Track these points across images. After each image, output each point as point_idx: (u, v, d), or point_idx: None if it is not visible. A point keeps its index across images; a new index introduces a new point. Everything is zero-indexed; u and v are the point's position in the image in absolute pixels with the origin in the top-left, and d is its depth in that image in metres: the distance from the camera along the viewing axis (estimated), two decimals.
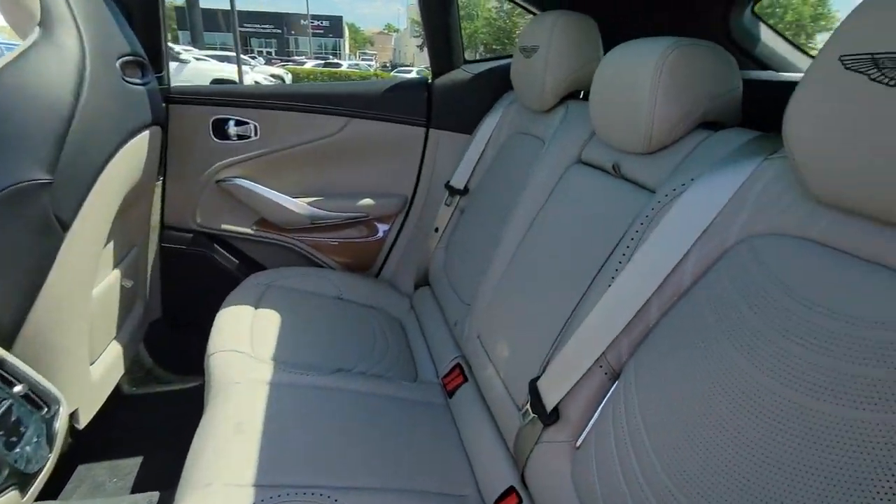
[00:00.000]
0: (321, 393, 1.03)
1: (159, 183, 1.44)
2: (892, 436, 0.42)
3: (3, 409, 0.77)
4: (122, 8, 1.10)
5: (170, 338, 1.58)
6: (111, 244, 1.12)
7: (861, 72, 0.46)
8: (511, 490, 0.84)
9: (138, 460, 1.28)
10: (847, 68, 0.47)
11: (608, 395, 0.72)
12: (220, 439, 0.85)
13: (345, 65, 24.09)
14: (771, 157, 0.63)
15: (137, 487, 1.19)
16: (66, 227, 0.88)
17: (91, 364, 1.08)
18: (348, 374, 1.12)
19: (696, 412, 0.56)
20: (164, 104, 1.34)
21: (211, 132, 1.46)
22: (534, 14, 1.53)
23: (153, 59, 1.26)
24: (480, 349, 1.07)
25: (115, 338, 1.20)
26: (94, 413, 1.09)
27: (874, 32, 0.45)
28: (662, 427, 0.60)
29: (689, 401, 0.58)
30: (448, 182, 1.50)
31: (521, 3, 1.53)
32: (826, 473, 0.44)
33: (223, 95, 1.47)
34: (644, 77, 0.76)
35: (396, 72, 22.27)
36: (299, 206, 1.55)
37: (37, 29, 0.83)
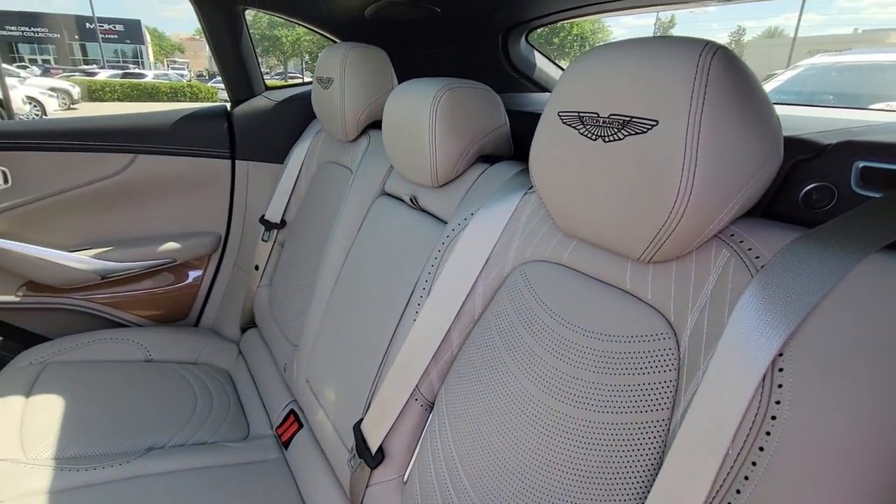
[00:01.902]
0: (126, 486, 0.88)
1: None
2: (621, 433, 0.50)
3: None
4: None
5: None
6: None
7: (572, 126, 0.54)
8: None
9: None
10: (564, 123, 0.55)
11: (426, 426, 0.75)
12: None
13: (150, 74, 21.32)
14: (529, 191, 0.71)
15: None
16: None
17: None
18: (162, 451, 0.99)
19: (493, 431, 0.61)
20: None
21: None
22: (333, 41, 1.52)
23: None
24: (310, 393, 1.03)
25: None
26: None
27: (578, 95, 0.54)
28: (471, 452, 0.64)
29: (488, 422, 0.62)
30: (263, 216, 1.42)
31: (320, 32, 1.51)
32: (590, 471, 0.51)
33: None
34: (422, 117, 0.80)
35: (214, 82, 20.44)
36: (80, 260, 1.32)
37: None
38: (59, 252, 1.29)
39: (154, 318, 1.48)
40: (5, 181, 1.22)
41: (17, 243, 1.24)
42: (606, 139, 0.50)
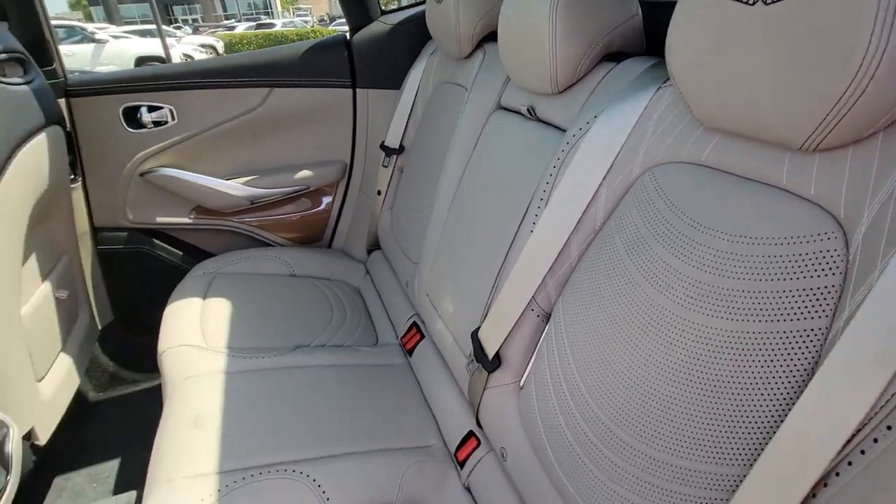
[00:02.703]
0: (280, 373, 1.04)
1: (78, 185, 1.37)
2: (773, 343, 0.45)
3: None
4: None
5: (127, 339, 1.56)
6: (33, 258, 1.07)
7: None
8: (470, 434, 0.89)
9: (116, 463, 1.29)
10: None
11: (542, 335, 0.75)
12: (179, 435, 0.86)
13: (279, 24, 22.63)
14: (664, 85, 0.63)
15: (118, 489, 1.21)
16: None
17: (39, 381, 1.06)
18: (307, 349, 1.13)
19: (615, 343, 0.59)
20: (61, 99, 1.25)
21: (123, 122, 1.37)
22: None
23: (37, 52, 1.16)
24: (430, 306, 1.09)
25: (61, 350, 1.18)
26: (53, 428, 1.08)
27: None
28: (589, 361, 0.63)
29: (608, 333, 0.61)
30: (383, 142, 1.47)
31: None
32: (725, 383, 0.48)
33: (130, 81, 1.37)
34: (540, 18, 0.74)
35: (335, 25, 21.09)
36: (235, 187, 1.50)
37: None
38: (218, 180, 1.48)
39: (294, 239, 1.66)
40: (173, 118, 1.41)
41: (188, 173, 1.44)
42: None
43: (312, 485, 0.79)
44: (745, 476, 0.44)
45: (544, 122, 0.88)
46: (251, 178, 1.52)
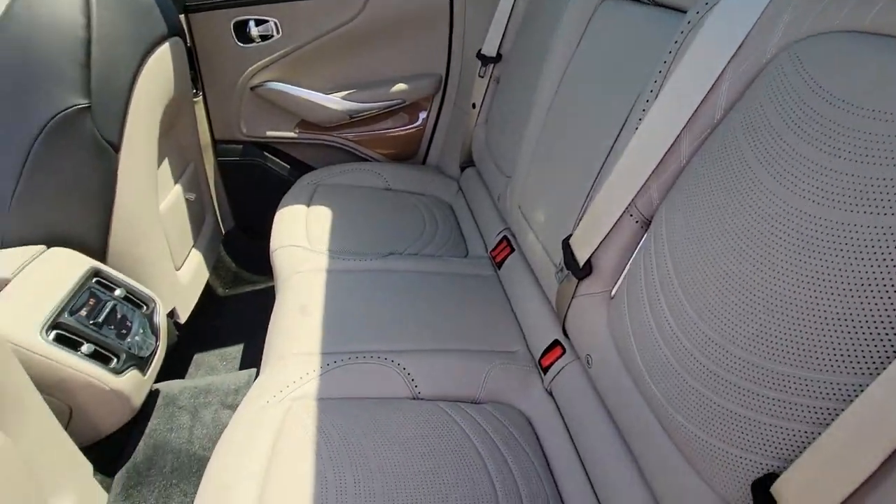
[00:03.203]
0: (375, 275, 1.10)
1: (200, 99, 1.48)
2: None
3: (109, 308, 0.92)
4: None
5: (247, 243, 1.73)
6: (166, 162, 1.21)
7: None
8: (556, 343, 0.89)
9: (240, 346, 1.48)
10: None
11: (640, 243, 0.71)
12: (289, 320, 0.95)
13: None
14: None
15: (242, 366, 1.40)
16: (116, 147, 0.95)
17: (178, 270, 1.23)
18: (400, 256, 1.18)
19: (730, 249, 0.54)
20: (181, 14, 1.33)
21: (234, 36, 1.44)
22: None
23: None
24: (521, 218, 1.07)
25: (193, 247, 1.34)
26: (190, 310, 1.25)
27: None
28: (693, 270, 0.58)
29: (722, 239, 0.55)
30: (479, 51, 1.40)
31: None
32: (865, 287, 0.42)
33: None
34: None
35: None
36: (335, 101, 1.54)
37: None
38: (320, 94, 1.52)
39: (390, 155, 1.69)
40: (278, 31, 1.45)
41: (292, 87, 1.50)
42: None
43: (402, 372, 0.85)
44: (866, 385, 0.39)
45: (661, 5, 0.77)
46: (350, 91, 1.55)
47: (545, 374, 0.88)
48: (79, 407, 0.83)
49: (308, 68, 1.52)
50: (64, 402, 0.82)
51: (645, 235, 0.70)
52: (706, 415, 0.52)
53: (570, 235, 0.80)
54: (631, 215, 0.70)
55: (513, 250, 1.15)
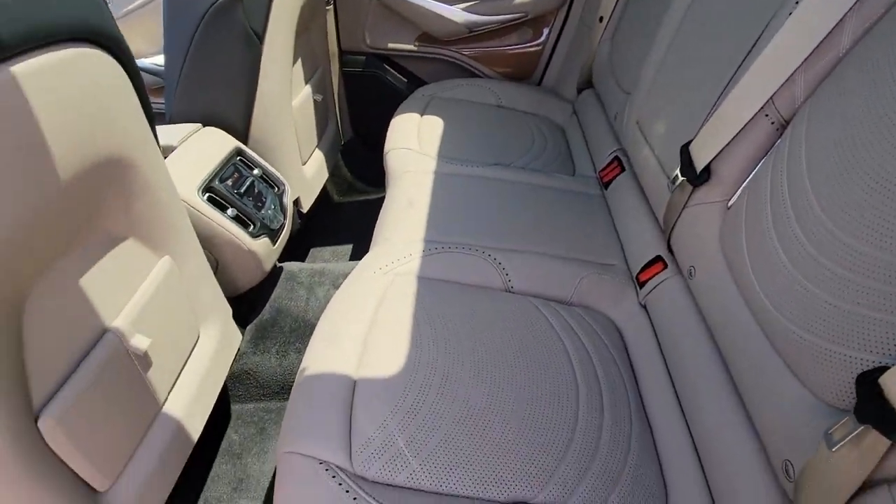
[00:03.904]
0: (481, 180, 1.12)
1: (331, 9, 1.55)
2: None
3: (248, 183, 1.05)
4: None
5: (363, 155, 1.84)
6: (300, 62, 1.30)
7: None
8: (657, 259, 0.86)
9: (351, 245, 1.62)
10: None
11: (772, 148, 0.65)
12: (397, 212, 1.02)
13: None
14: None
15: (352, 257, 1.54)
16: (260, 38, 1.05)
17: (303, 164, 1.35)
18: (507, 167, 1.19)
19: (882, 140, 0.48)
20: None
21: None
22: None
23: None
24: (638, 134, 1.02)
25: (317, 146, 1.46)
26: (312, 201, 1.39)
27: None
28: (831, 164, 0.52)
29: (874, 130, 0.49)
30: None
31: None
32: None
33: None
34: None
35: None
36: (456, 13, 1.53)
37: None
38: (441, 4, 1.52)
39: (506, 74, 1.66)
40: None
41: None
42: None
43: (498, 266, 0.89)
44: None
45: None
46: (472, 3, 1.53)
47: (641, 288, 0.86)
48: (224, 261, 0.98)
49: None
50: (212, 255, 0.97)
51: (779, 140, 0.64)
52: (817, 316, 0.49)
53: (691, 142, 0.75)
54: (767, 115, 0.64)
55: (623, 170, 1.10)
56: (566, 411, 0.66)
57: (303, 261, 1.53)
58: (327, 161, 1.53)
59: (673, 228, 0.79)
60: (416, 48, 1.64)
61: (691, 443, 0.65)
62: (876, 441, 0.38)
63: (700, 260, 0.72)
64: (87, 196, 0.58)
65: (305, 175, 1.35)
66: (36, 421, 0.53)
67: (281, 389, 1.14)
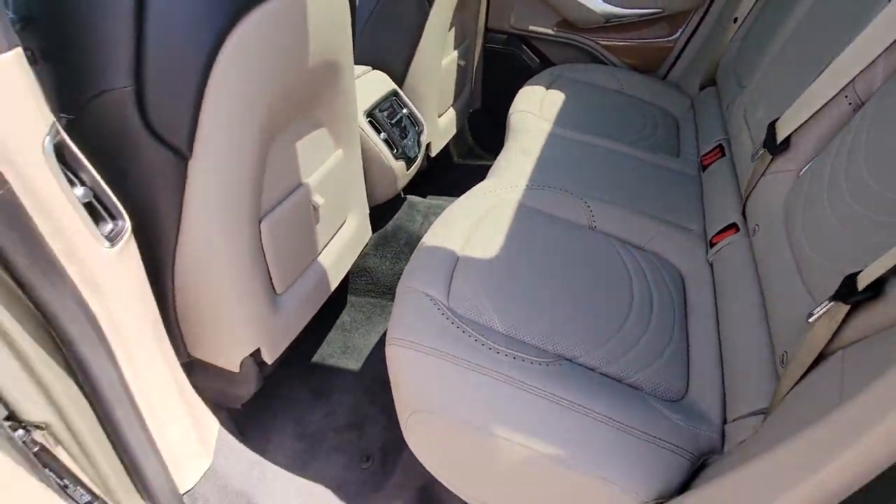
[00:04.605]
0: (588, 146, 1.29)
1: None
2: None
3: (398, 118, 1.32)
4: None
5: (487, 125, 2.07)
6: (453, 31, 1.55)
7: None
8: (732, 225, 0.97)
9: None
10: None
11: (845, 127, 0.75)
12: (510, 158, 1.23)
13: None
14: None
15: None
16: (430, 6, 1.30)
17: (438, 116, 1.61)
18: (615, 140, 1.34)
19: None
20: None
21: None
22: None
23: None
24: (742, 122, 1.11)
25: (451, 105, 1.71)
26: (440, 148, 1.64)
27: None
28: (888, 138, 0.63)
29: None
30: None
31: None
32: None
33: None
34: None
35: None
36: (596, 3, 1.68)
37: None
38: None
39: (632, 65, 1.78)
40: None
41: None
42: None
43: (586, 208, 1.05)
44: None
45: None
46: None
47: (711, 248, 0.98)
48: (369, 171, 1.26)
49: None
50: (363, 164, 1.26)
51: (853, 118, 0.74)
52: (832, 243, 0.61)
53: (777, 119, 0.86)
54: (846, 96, 0.74)
55: (723, 156, 1.20)
56: (619, 308, 0.83)
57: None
58: (457, 120, 1.77)
59: (749, 195, 0.91)
60: (553, 32, 1.82)
61: (720, 364, 0.78)
62: (838, 310, 0.51)
63: (764, 219, 0.83)
64: (311, 86, 0.86)
65: (439, 125, 1.60)
66: (259, 223, 0.82)
67: (389, 290, 1.41)
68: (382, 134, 1.25)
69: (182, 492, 0.81)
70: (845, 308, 0.50)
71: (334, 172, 1.01)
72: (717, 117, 1.37)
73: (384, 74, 1.34)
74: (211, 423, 0.88)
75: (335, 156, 1.01)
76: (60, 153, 0.50)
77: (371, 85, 1.29)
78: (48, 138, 0.48)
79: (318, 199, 0.94)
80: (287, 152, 0.85)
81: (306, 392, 1.20)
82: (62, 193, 0.49)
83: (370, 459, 1.07)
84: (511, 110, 1.47)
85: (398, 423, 0.77)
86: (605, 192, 1.12)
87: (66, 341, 0.55)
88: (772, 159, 0.85)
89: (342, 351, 1.30)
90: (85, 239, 0.53)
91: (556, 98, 1.49)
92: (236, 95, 0.65)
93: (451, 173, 1.98)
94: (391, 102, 1.31)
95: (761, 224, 0.84)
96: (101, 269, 0.56)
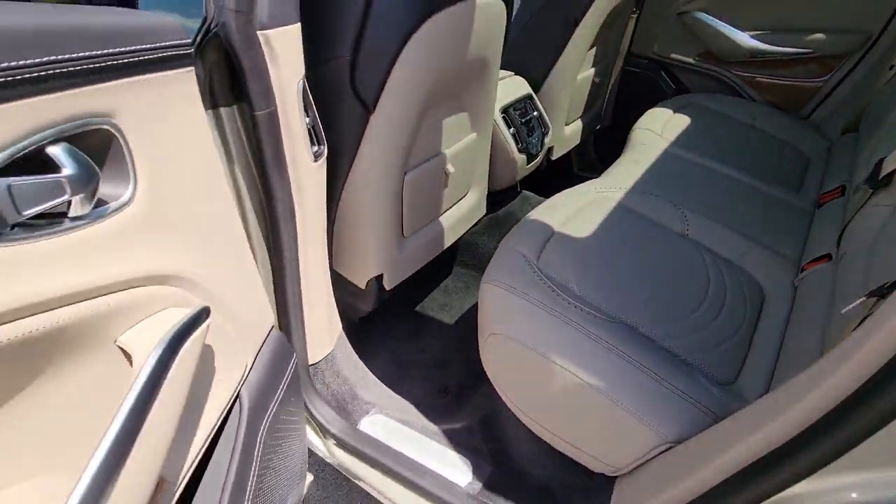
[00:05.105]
0: (701, 168, 1.36)
1: (635, 16, 1.90)
2: None
3: (528, 118, 1.51)
4: None
5: (612, 143, 2.17)
6: (593, 51, 1.70)
7: None
8: (826, 255, 1.01)
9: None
10: None
11: None
12: (620, 167, 1.35)
13: None
14: None
15: None
16: (576, 24, 1.48)
17: (565, 124, 1.77)
18: (731, 166, 1.39)
19: None
20: None
21: None
22: None
23: None
24: (867, 164, 1.13)
25: (580, 116, 1.86)
26: (561, 154, 1.79)
27: None
28: None
29: None
30: None
31: None
32: None
33: None
34: None
35: None
36: (745, 38, 1.72)
37: None
38: (735, 29, 1.73)
39: (772, 102, 1.78)
40: None
41: (713, 18, 1.75)
42: None
43: (682, 217, 1.15)
44: None
45: None
46: (763, 32, 1.69)
47: (800, 273, 1.02)
48: (495, 159, 1.46)
49: (734, 3, 1.73)
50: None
51: None
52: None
53: (885, 157, 0.90)
54: None
55: (841, 196, 1.21)
56: (690, 300, 0.93)
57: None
58: (583, 132, 1.91)
59: (846, 227, 0.95)
60: (694, 62, 1.88)
61: (773, 366, 0.85)
62: (868, 302, 0.59)
63: (852, 248, 0.88)
64: (465, 76, 1.08)
65: (564, 133, 1.76)
66: (404, 175, 1.07)
67: None
68: (512, 129, 1.45)
69: (309, 363, 1.07)
70: (871, 301, 0.58)
71: (467, 150, 1.23)
72: (850, 162, 1.35)
73: (523, 80, 1.54)
74: (337, 322, 1.13)
75: (470, 137, 1.23)
76: (302, 93, 0.77)
77: (511, 87, 1.50)
78: (298, 83, 0.75)
79: (451, 167, 1.17)
80: (435, 124, 1.08)
81: (405, 330, 1.43)
82: (299, 118, 0.76)
83: (447, 392, 1.26)
84: (634, 127, 1.58)
85: (475, 371, 0.94)
86: (706, 207, 1.20)
87: (274, 225, 0.82)
88: (872, 193, 0.89)
89: (440, 307, 1.52)
90: (303, 152, 0.79)
91: (680, 122, 1.57)
92: (413, 71, 0.89)
93: (568, 182, 2.11)
94: (525, 104, 1.51)
95: (849, 252, 0.88)
96: (306, 177, 0.82)
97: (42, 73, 0.39)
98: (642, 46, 1.97)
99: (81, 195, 0.44)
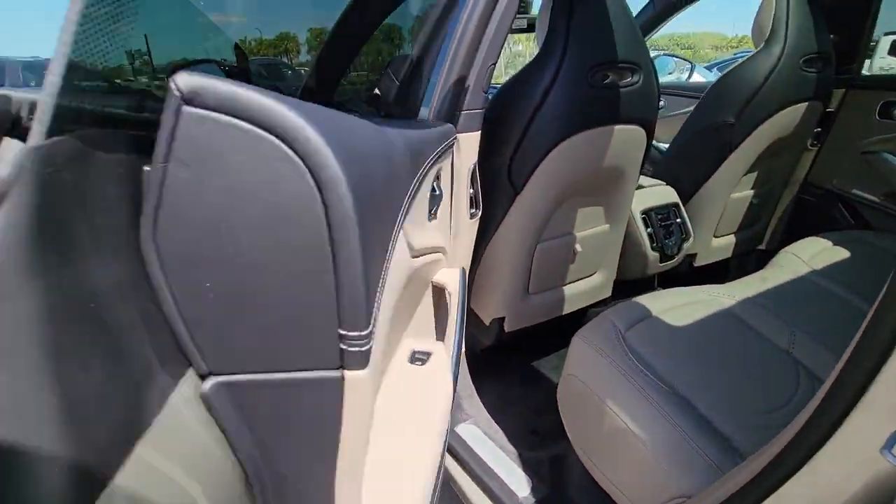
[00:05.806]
0: (837, 300, 1.36)
1: (813, 151, 1.94)
2: None
3: (669, 223, 1.70)
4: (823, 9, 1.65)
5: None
6: (755, 175, 1.81)
7: None
8: None
9: None
10: None
11: None
12: (746, 281, 1.44)
13: None
14: None
15: None
16: (730, 152, 1.65)
17: (714, 237, 1.87)
18: (871, 303, 1.35)
19: None
20: (839, 88, 1.81)
21: (876, 113, 1.79)
22: None
23: (843, 52, 1.74)
24: None
25: (733, 232, 1.93)
26: (705, 262, 1.88)
27: None
28: None
29: None
30: None
31: None
32: None
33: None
34: None
35: None
36: None
37: (762, 45, 1.58)
38: None
39: None
40: None
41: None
42: None
43: (790, 334, 1.20)
44: None
45: None
46: None
47: None
48: (628, 251, 1.67)
49: None
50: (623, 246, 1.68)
51: None
52: None
53: None
54: None
55: None
56: (774, 400, 1.01)
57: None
58: (735, 247, 1.97)
59: None
60: (878, 200, 1.82)
61: None
62: None
63: None
64: (600, 179, 1.37)
65: (711, 245, 1.87)
66: (536, 245, 1.38)
67: None
68: (650, 228, 1.66)
69: None
70: None
71: (597, 237, 1.49)
72: None
73: (672, 190, 1.75)
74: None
75: (602, 226, 1.49)
76: (471, 173, 1.16)
77: (659, 194, 1.72)
78: (470, 167, 1.15)
79: (579, 247, 1.44)
80: (570, 211, 1.39)
81: (518, 376, 1.68)
82: (467, 191, 1.15)
83: (536, 434, 1.46)
84: (783, 250, 1.63)
85: (566, 432, 1.16)
86: (823, 334, 1.22)
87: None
88: None
89: (552, 368, 1.73)
90: (465, 213, 1.18)
91: (835, 253, 1.56)
92: (552, 172, 1.22)
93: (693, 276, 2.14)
94: (669, 210, 1.71)
95: None
96: (464, 229, 1.20)
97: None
98: (821, 178, 1.97)
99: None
